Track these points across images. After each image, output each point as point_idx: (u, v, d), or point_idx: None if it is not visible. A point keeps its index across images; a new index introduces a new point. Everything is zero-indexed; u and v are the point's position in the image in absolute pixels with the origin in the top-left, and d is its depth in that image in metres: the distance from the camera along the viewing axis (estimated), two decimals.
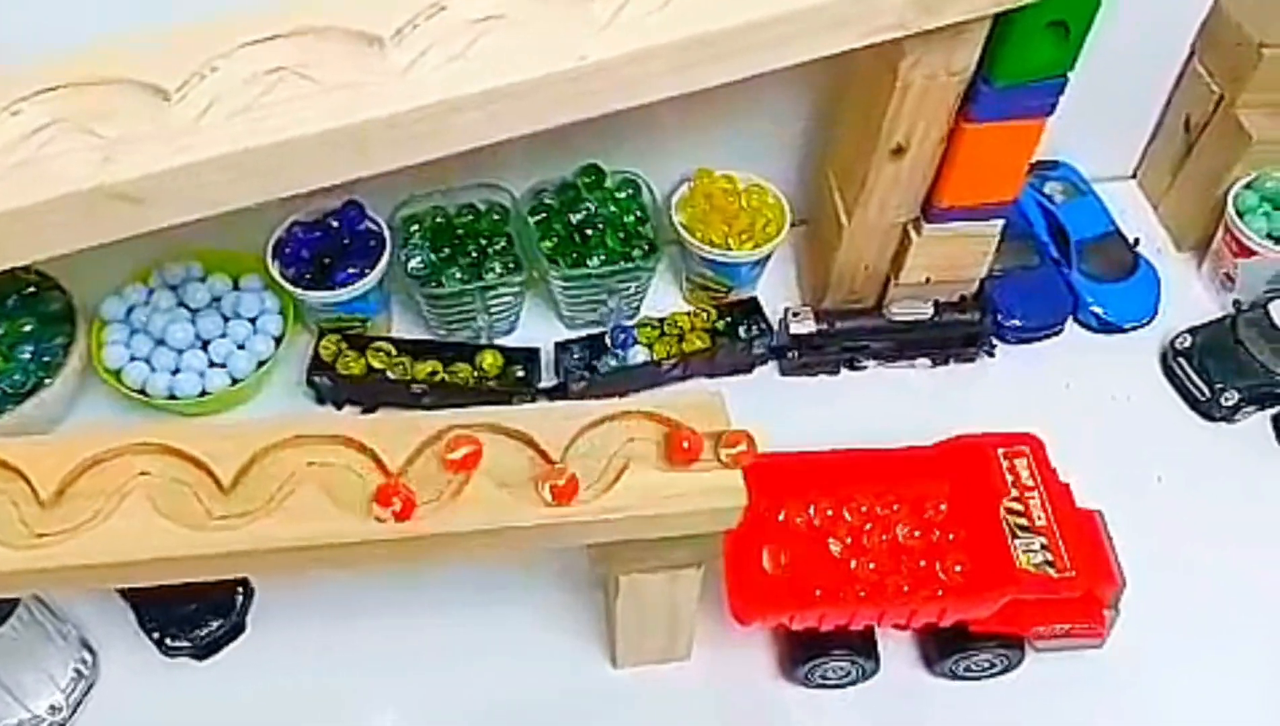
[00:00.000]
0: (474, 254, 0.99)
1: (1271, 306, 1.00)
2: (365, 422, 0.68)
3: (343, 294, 0.95)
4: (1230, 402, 0.98)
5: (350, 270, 0.96)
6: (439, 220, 1.00)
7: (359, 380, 0.96)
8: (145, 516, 0.64)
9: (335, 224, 0.99)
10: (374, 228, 0.99)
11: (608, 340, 0.99)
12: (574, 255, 0.99)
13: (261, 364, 0.97)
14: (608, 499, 0.66)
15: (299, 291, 0.96)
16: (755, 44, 0.70)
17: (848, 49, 0.73)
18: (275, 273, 0.97)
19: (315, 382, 0.97)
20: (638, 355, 0.99)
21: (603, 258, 0.98)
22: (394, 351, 0.97)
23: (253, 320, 0.99)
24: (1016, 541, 0.79)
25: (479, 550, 0.67)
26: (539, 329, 1.04)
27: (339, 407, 0.99)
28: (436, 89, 0.66)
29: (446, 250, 0.99)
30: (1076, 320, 1.07)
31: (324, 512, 0.64)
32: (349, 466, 0.67)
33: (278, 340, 0.99)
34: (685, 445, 0.66)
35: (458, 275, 0.97)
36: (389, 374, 0.96)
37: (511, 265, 0.98)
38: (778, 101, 1.02)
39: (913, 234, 0.95)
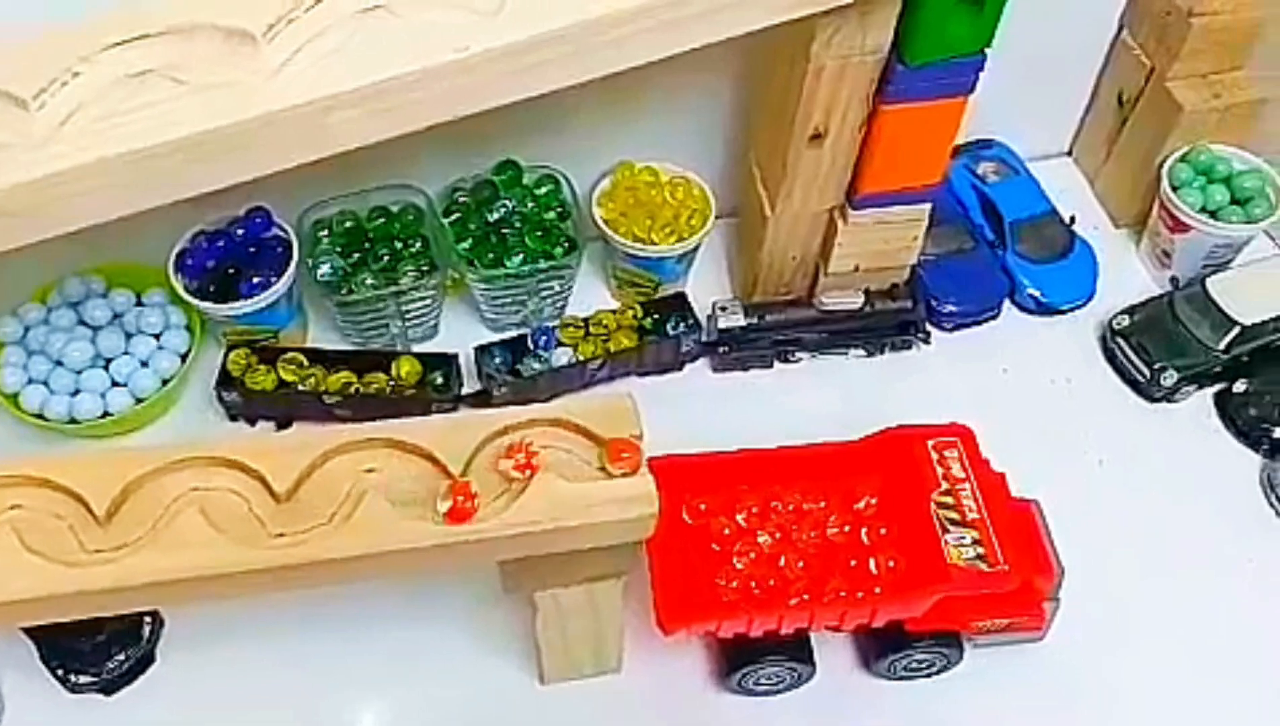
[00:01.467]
0: (386, 258, 0.95)
1: (1209, 282, 0.98)
2: (252, 444, 0.64)
3: (249, 305, 0.91)
4: (1170, 382, 0.96)
5: (256, 280, 0.92)
6: (349, 224, 0.96)
7: (269, 394, 0.92)
8: (12, 554, 0.60)
9: (240, 232, 0.95)
10: (281, 234, 0.95)
11: (530, 342, 0.95)
12: (491, 255, 0.95)
13: (166, 382, 0.93)
14: (511, 514, 0.63)
15: (203, 304, 0.92)
16: (654, 26, 0.66)
17: (756, 29, 0.70)
18: (179, 286, 0.92)
19: (224, 399, 0.93)
20: (562, 357, 0.95)
21: (522, 257, 0.95)
22: (306, 363, 0.93)
23: (157, 336, 0.94)
24: (948, 536, 0.76)
25: (375, 573, 0.63)
26: (462, 333, 1.01)
27: (251, 423, 0.95)
28: (311, 87, 0.63)
29: (357, 255, 0.95)
30: (1013, 303, 1.04)
31: (206, 540, 0.61)
32: (234, 490, 0.64)
33: (184, 356, 0.94)
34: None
35: (369, 281, 0.93)
36: (300, 387, 0.92)
37: (426, 268, 0.95)
38: (699, 90, 0.99)
39: (839, 221, 0.92)
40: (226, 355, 0.93)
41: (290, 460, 0.63)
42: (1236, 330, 0.95)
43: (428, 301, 0.96)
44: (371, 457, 0.64)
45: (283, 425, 0.95)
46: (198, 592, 0.62)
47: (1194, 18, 0.95)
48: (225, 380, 0.93)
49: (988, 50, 0.79)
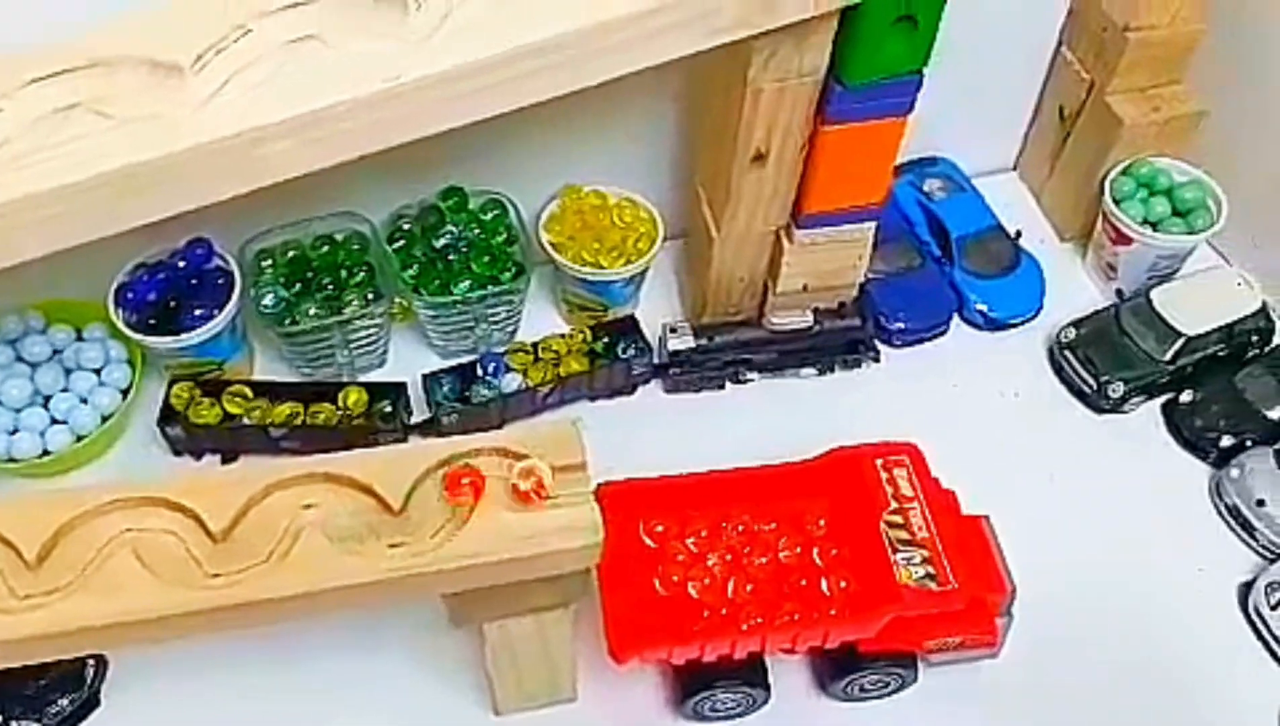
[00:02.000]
0: (331, 287, 0.94)
1: (1153, 294, 0.99)
2: (187, 482, 0.63)
3: (191, 338, 0.90)
4: (1118, 394, 0.96)
5: (198, 312, 0.91)
6: (292, 254, 0.95)
7: (214, 428, 0.91)
8: None
9: (181, 264, 0.93)
10: (223, 265, 0.94)
11: (479, 369, 0.95)
12: (438, 282, 0.94)
13: (107, 418, 0.91)
14: (453, 547, 0.62)
15: (144, 338, 0.90)
16: (590, 52, 0.66)
17: (692, 52, 0.70)
18: (118, 320, 0.91)
19: (167, 434, 0.91)
20: (512, 383, 0.94)
21: (469, 283, 0.94)
22: (251, 395, 0.92)
23: (97, 372, 0.93)
24: (898, 555, 0.76)
25: (315, 612, 0.62)
26: (411, 360, 1.00)
27: (197, 458, 0.94)
28: (240, 118, 0.62)
29: (300, 285, 0.94)
30: (962, 318, 1.04)
31: (139, 583, 0.60)
32: (169, 530, 0.62)
33: (125, 392, 0.93)
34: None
35: (314, 311, 0.92)
36: (246, 420, 0.91)
37: (372, 296, 0.94)
38: (645, 113, 0.99)
39: (785, 242, 0.92)
40: (169, 389, 0.92)
41: (226, 498, 0.62)
42: (1181, 341, 0.96)
43: (374, 330, 0.95)
44: (310, 493, 0.63)
45: (228, 459, 0.93)
46: (132, 636, 0.60)
47: (1130, 32, 0.96)
48: (168, 415, 0.91)
49: (925, 69, 0.79)
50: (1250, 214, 1.01)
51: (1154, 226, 1.00)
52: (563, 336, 0.98)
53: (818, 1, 0.70)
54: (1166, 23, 0.96)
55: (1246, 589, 0.87)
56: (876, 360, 1.01)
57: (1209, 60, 1.00)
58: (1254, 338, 0.98)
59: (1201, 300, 0.98)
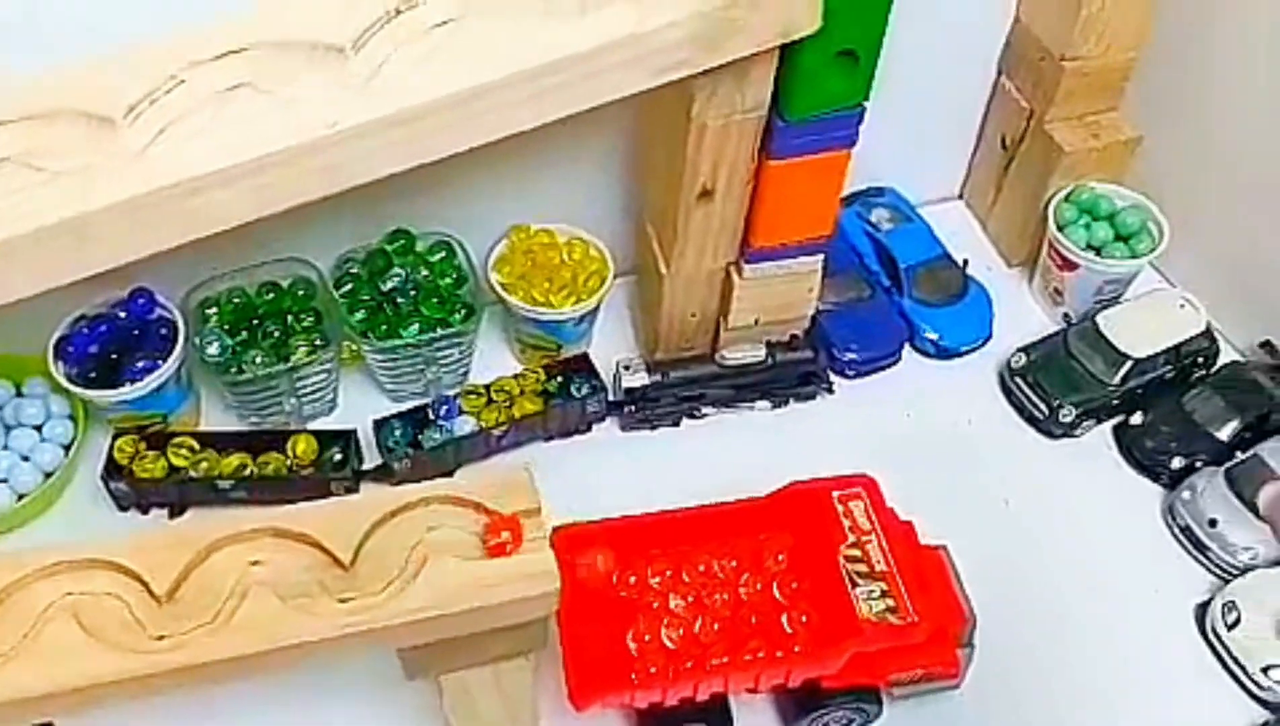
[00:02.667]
0: (277, 334, 0.92)
1: (1099, 318, 1.00)
2: (129, 543, 0.61)
3: (134, 391, 0.88)
4: (1069, 418, 0.97)
5: (142, 364, 0.89)
6: (237, 301, 0.94)
7: (160, 482, 0.89)
8: None
9: (123, 315, 0.92)
10: (167, 315, 0.92)
11: (431, 412, 0.94)
12: (386, 326, 0.93)
13: (50, 475, 0.89)
14: (405, 600, 0.60)
15: (86, 392, 0.88)
16: (529, 95, 0.66)
17: (634, 92, 0.70)
18: (59, 374, 0.89)
19: (111, 489, 0.89)
20: (465, 426, 0.93)
21: (418, 326, 0.93)
22: (197, 447, 0.90)
23: (38, 428, 0.91)
24: (857, 590, 0.76)
25: (265, 671, 0.60)
26: (361, 406, 0.98)
27: (144, 512, 0.92)
28: (175, 168, 0.61)
29: (246, 333, 0.92)
30: (913, 347, 1.05)
31: (81, 648, 0.58)
32: (112, 593, 0.60)
33: (68, 447, 0.91)
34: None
35: (260, 359, 0.90)
36: (192, 472, 0.89)
37: (320, 343, 0.92)
38: (592, 151, 0.99)
39: (735, 277, 0.92)
40: (113, 443, 0.90)
41: (170, 558, 0.60)
42: (1129, 364, 0.97)
43: (322, 376, 0.94)
44: (257, 549, 0.62)
45: (176, 512, 0.91)
46: (75, 703, 0.58)
47: (1066, 62, 0.98)
48: (112, 469, 0.89)
49: (867, 102, 0.80)
50: (1191, 236, 1.02)
51: (1097, 251, 1.01)
52: (515, 377, 0.97)
53: (756, 40, 0.70)
54: (1101, 52, 0.98)
55: (1203, 609, 0.88)
56: (830, 391, 1.01)
57: (1144, 86, 1.02)
58: (1200, 359, 1.00)
59: (1147, 323, 0.99)
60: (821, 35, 0.72)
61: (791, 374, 0.99)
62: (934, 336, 1.04)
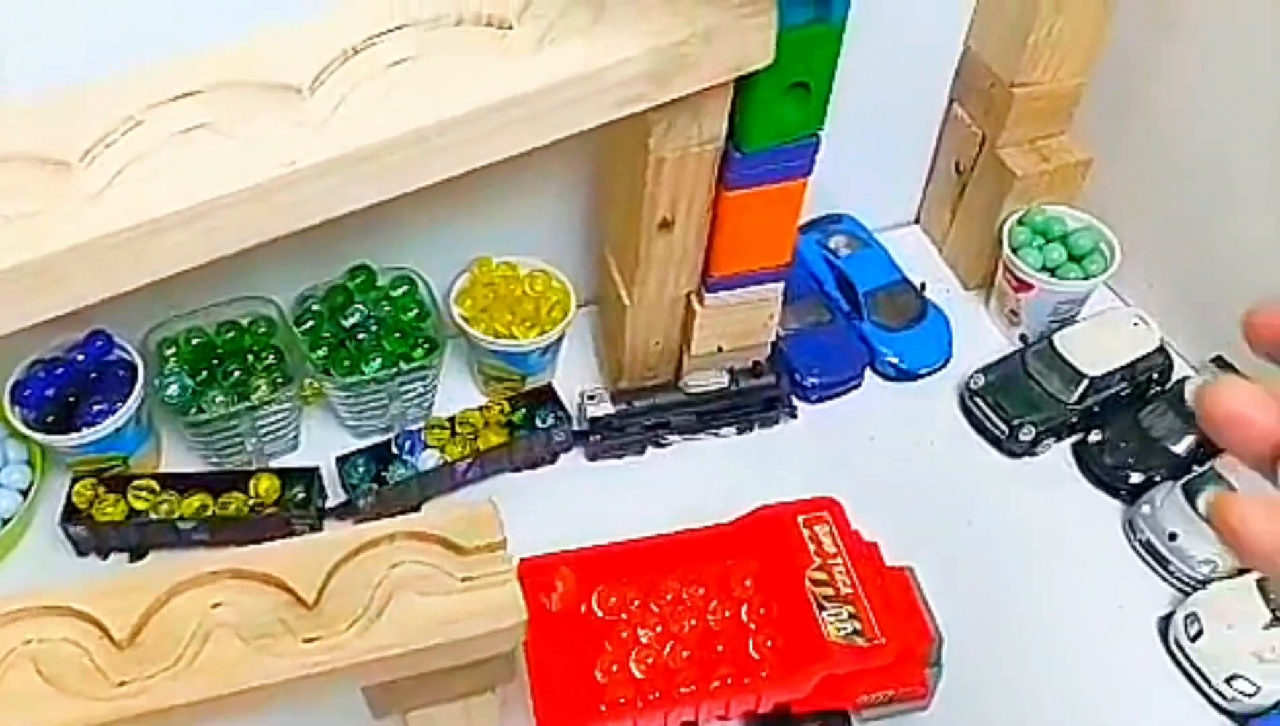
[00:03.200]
0: (238, 373, 0.92)
1: (1056, 338, 1.01)
2: (88, 588, 0.61)
3: (92, 434, 0.87)
4: (1029, 437, 0.98)
5: (100, 407, 0.88)
6: (197, 341, 0.93)
7: (120, 525, 0.88)
8: None
9: (80, 358, 0.90)
10: (125, 357, 0.92)
11: (394, 448, 0.93)
12: (348, 362, 0.93)
13: (7, 521, 0.88)
14: (371, 638, 0.60)
15: (43, 437, 0.87)
16: (485, 132, 0.67)
17: (588, 128, 0.71)
18: (15, 419, 0.88)
19: (70, 534, 0.88)
20: (429, 460, 0.93)
21: (380, 361, 0.93)
22: (158, 488, 0.89)
23: None
24: (824, 613, 0.76)
25: (229, 715, 0.60)
26: (324, 442, 0.98)
27: (103, 557, 0.90)
28: (132, 211, 0.61)
29: (206, 373, 0.92)
30: (874, 371, 1.06)
31: (41, 697, 0.57)
32: (71, 639, 0.60)
33: (25, 492, 0.89)
34: None
35: (220, 399, 0.90)
36: (153, 515, 0.88)
37: (281, 380, 0.92)
38: (552, 183, 0.99)
39: (696, 305, 0.93)
40: (72, 487, 0.89)
41: (129, 603, 0.60)
42: (1086, 382, 0.99)
43: (284, 415, 0.93)
44: (218, 591, 0.61)
45: (137, 556, 0.90)
46: None
47: (1016, 88, 1.00)
48: (70, 514, 0.88)
49: (822, 132, 0.81)
50: (1142, 255, 1.04)
51: (1052, 272, 1.03)
52: (480, 409, 0.97)
53: (709, 74, 0.71)
54: (1050, 78, 1.00)
55: (1166, 622, 0.89)
56: (794, 416, 1.02)
57: (1093, 110, 1.04)
58: (1155, 375, 1.01)
59: (1102, 341, 1.01)
60: (774, 68, 0.73)
61: (755, 400, 1.00)
62: (894, 359, 1.05)
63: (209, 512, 0.88)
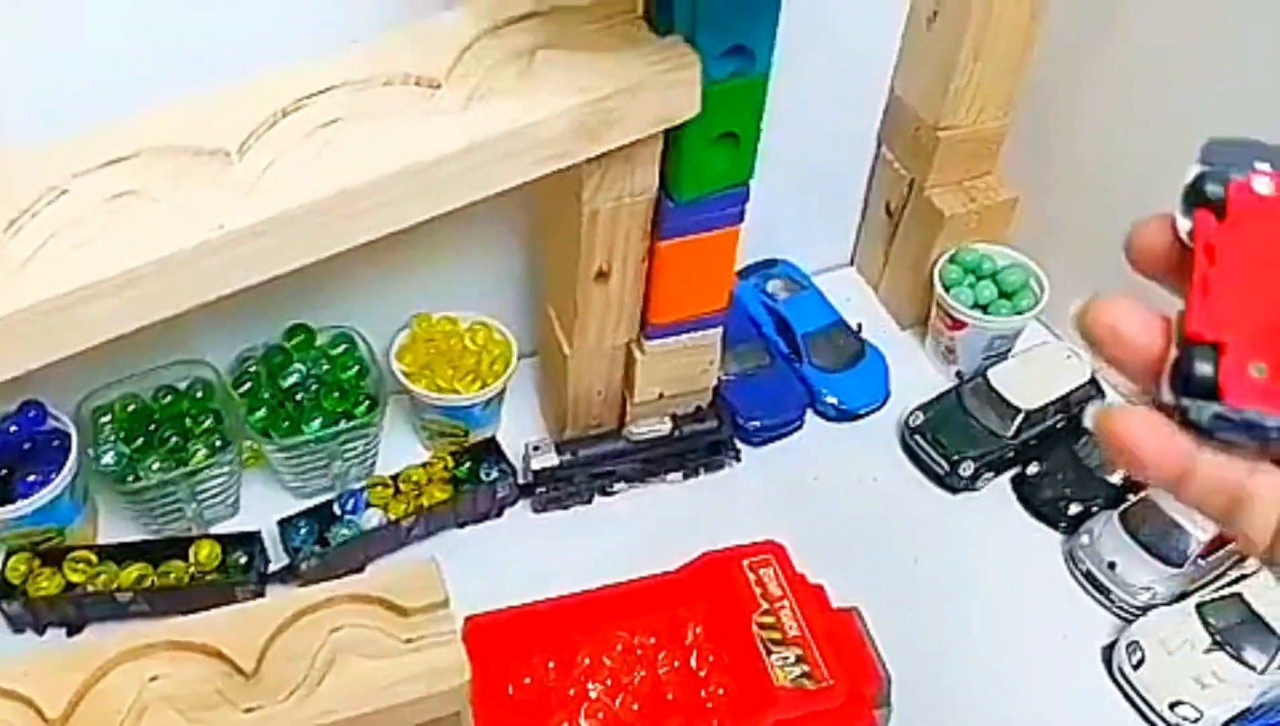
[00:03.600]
0: (175, 439, 0.91)
1: (990, 374, 1.03)
2: (19, 668, 0.59)
3: (26, 506, 0.85)
4: (969, 473, 1.00)
5: (33, 478, 0.86)
6: (132, 407, 0.92)
7: (56, 599, 0.86)
8: None
9: (13, 429, 0.89)
10: (59, 426, 0.90)
11: (337, 508, 0.92)
12: (288, 423, 0.92)
13: None
14: (311, 706, 0.59)
15: None
16: (415, 190, 0.67)
17: (519, 184, 0.71)
18: None
19: (4, 610, 0.86)
20: (372, 519, 0.92)
21: (320, 421, 0.92)
22: (95, 560, 0.87)
23: None
24: (772, 657, 0.76)
25: None
26: (266, 505, 0.96)
27: (40, 633, 0.88)
28: (60, 280, 0.60)
29: (142, 439, 0.90)
30: (815, 412, 1.07)
31: None
32: (4, 720, 0.58)
33: None
34: None
35: (156, 465, 0.88)
36: (90, 587, 0.86)
37: (219, 444, 0.91)
38: (490, 237, 1.00)
39: (636, 353, 0.94)
40: (5, 562, 0.87)
41: (63, 680, 0.59)
42: (1021, 416, 1.00)
43: (223, 479, 0.92)
44: (155, 664, 0.60)
45: (75, 630, 0.88)
46: None
47: (941, 131, 1.02)
48: (4, 590, 0.86)
49: (752, 180, 0.82)
50: (1071, 289, 1.07)
51: (984, 309, 1.05)
52: (423, 465, 0.96)
53: (636, 128, 0.72)
54: (973, 120, 1.03)
55: (1109, 651, 0.90)
56: (738, 460, 1.03)
57: (1018, 149, 1.07)
58: (1088, 406, 1.03)
59: (1036, 375, 1.03)
60: (702, 120, 0.74)
61: (699, 444, 1.00)
62: (834, 400, 1.06)
63: (148, 582, 0.86)
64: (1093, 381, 1.04)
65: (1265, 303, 0.33)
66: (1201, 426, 0.32)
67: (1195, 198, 0.34)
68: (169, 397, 0.93)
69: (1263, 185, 0.34)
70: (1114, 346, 0.34)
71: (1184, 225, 0.34)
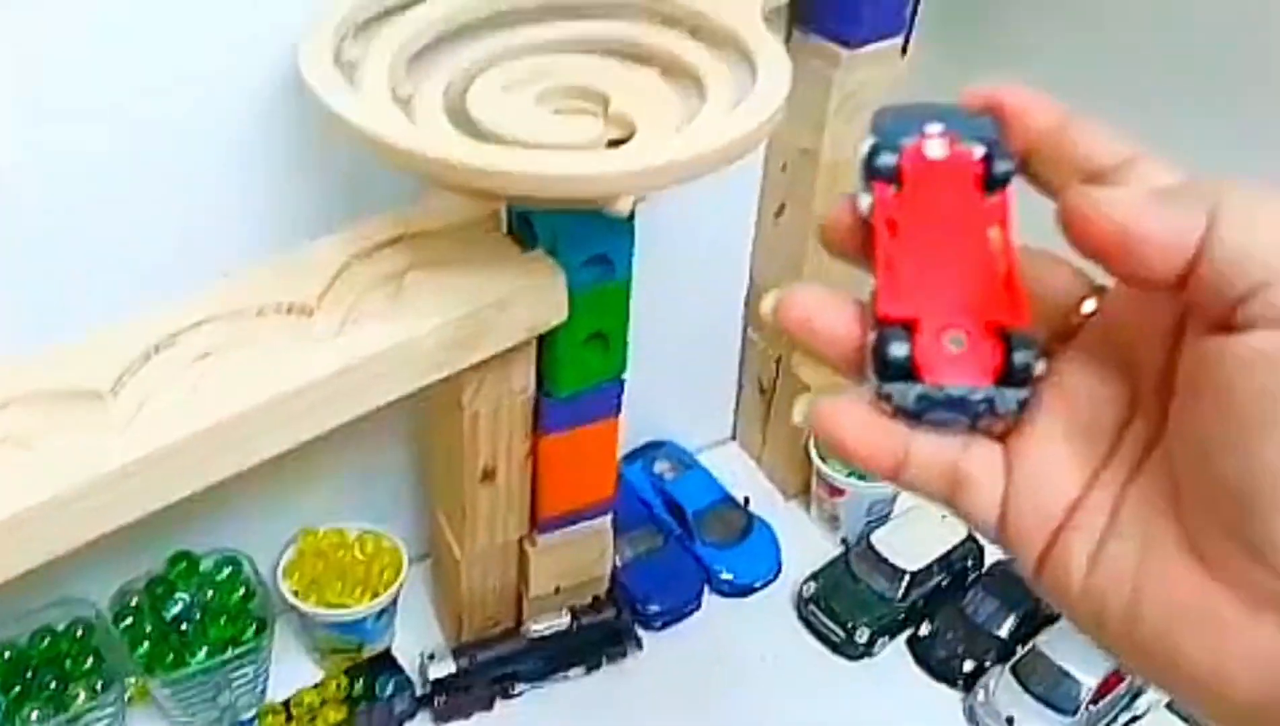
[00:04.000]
0: (55, 684, 0.87)
1: (874, 538, 1.06)
2: None
3: None
4: (864, 638, 1.01)
5: None
6: (8, 654, 0.88)
7: None
8: None
9: None
10: None
11: None
12: (172, 655, 0.89)
13: None
14: None
15: None
16: (295, 414, 0.68)
17: (397, 397, 0.73)
18: None
19: None
20: None
21: (207, 650, 0.90)
22: None
23: None
24: None
25: None
26: None
27: None
28: None
29: (19, 688, 0.86)
30: (712, 590, 1.08)
31: None
32: None
33: None
34: None
35: (35, 714, 0.85)
36: None
37: (101, 685, 0.87)
38: (373, 446, 1.00)
39: (528, 548, 0.95)
40: None
41: None
42: (907, 578, 1.03)
43: (108, 720, 0.88)
44: None
45: None
46: None
47: None
48: None
49: (625, 374, 0.86)
50: None
51: (860, 476, 1.09)
52: (316, 686, 0.94)
53: (507, 337, 0.75)
54: None
55: None
56: (640, 647, 1.03)
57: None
58: (969, 562, 1.07)
59: (917, 535, 1.06)
60: (570, 324, 0.78)
61: (599, 635, 1.00)
62: (728, 576, 1.07)
63: None
64: (970, 537, 1.07)
65: (951, 269, 0.31)
66: (909, 410, 0.30)
67: (870, 171, 0.32)
68: (47, 640, 0.90)
69: (935, 148, 0.32)
70: (811, 340, 0.32)
71: (864, 201, 0.33)
